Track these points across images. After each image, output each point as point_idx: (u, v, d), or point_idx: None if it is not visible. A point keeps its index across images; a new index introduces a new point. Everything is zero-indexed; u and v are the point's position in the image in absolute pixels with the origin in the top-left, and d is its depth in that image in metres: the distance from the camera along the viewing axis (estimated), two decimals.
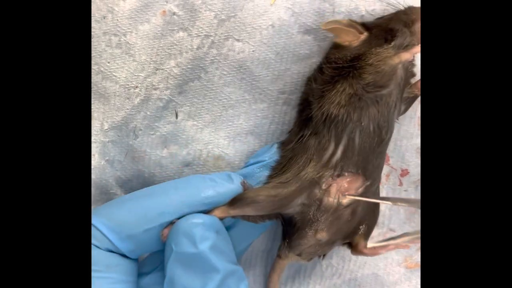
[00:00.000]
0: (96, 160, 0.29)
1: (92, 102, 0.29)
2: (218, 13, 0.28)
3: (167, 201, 0.24)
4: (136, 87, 0.28)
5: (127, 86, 0.28)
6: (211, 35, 0.28)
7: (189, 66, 0.28)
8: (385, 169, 0.29)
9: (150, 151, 0.29)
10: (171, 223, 0.24)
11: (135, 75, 0.28)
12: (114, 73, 0.28)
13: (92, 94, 0.29)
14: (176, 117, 0.29)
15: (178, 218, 0.24)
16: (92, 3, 0.28)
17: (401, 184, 0.30)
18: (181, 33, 0.28)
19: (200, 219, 0.23)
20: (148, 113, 0.28)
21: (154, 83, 0.28)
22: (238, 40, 0.28)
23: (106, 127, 0.29)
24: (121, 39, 0.28)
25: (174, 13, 0.28)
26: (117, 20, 0.28)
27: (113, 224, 0.23)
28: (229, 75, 0.28)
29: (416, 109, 0.28)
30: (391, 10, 0.27)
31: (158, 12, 0.28)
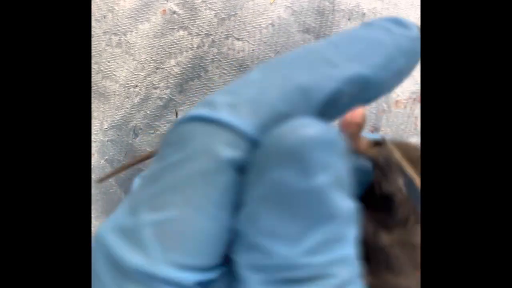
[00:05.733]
0: (95, 159, 0.29)
1: (92, 101, 0.29)
2: (219, 11, 0.28)
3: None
4: (136, 86, 0.28)
5: (127, 85, 0.28)
6: (211, 34, 0.28)
7: (189, 65, 0.28)
8: None
9: (149, 150, 0.29)
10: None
11: (135, 74, 0.28)
12: (114, 72, 0.28)
13: (92, 93, 0.29)
14: (176, 116, 0.28)
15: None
16: (92, 3, 0.28)
17: None
18: (181, 32, 0.28)
19: (314, 128, 0.12)
20: (148, 112, 0.28)
21: (154, 82, 0.28)
22: (238, 39, 0.28)
23: (105, 126, 0.29)
24: (121, 38, 0.28)
25: (174, 12, 0.28)
26: (117, 19, 0.28)
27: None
28: (229, 74, 0.28)
29: (413, 108, 0.28)
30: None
31: (158, 11, 0.28)
